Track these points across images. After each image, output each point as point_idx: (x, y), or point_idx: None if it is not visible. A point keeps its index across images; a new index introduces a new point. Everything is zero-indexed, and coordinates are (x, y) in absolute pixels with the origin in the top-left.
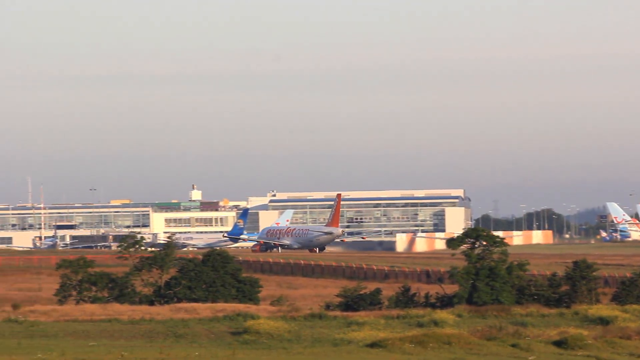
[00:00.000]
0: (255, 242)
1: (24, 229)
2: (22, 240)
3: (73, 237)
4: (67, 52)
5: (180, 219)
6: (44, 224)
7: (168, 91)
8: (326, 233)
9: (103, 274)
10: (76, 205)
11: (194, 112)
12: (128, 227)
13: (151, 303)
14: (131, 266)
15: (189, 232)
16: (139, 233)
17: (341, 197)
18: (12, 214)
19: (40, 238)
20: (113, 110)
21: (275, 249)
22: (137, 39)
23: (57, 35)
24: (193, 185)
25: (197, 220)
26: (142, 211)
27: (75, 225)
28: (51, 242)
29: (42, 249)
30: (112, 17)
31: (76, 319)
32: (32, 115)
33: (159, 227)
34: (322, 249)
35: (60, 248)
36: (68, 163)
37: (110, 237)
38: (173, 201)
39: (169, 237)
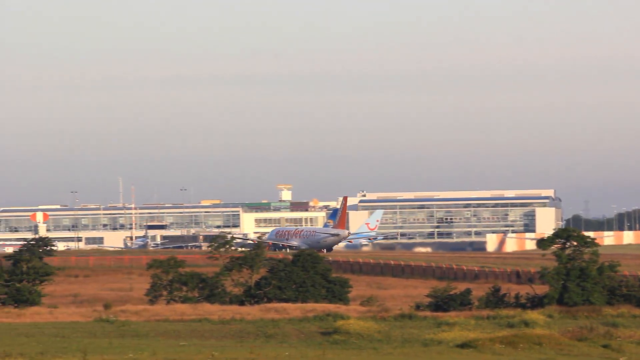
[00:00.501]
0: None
1: (115, 229)
2: (114, 240)
3: (164, 237)
4: (159, 53)
5: (270, 219)
6: (135, 224)
7: (259, 92)
8: (333, 235)
9: (193, 274)
10: (167, 205)
11: (284, 113)
12: (218, 227)
13: (241, 303)
14: (221, 266)
15: None
16: (229, 233)
17: (347, 199)
18: (104, 214)
19: (131, 238)
20: (203, 110)
21: (283, 250)
22: (222, 40)
23: (155, 36)
24: (285, 185)
25: (287, 220)
26: (233, 211)
27: (166, 225)
28: (142, 242)
29: (133, 249)
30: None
31: (167, 319)
32: (123, 116)
33: (249, 227)
34: (329, 250)
35: (151, 248)
36: (159, 163)
37: (201, 237)
38: (263, 201)
39: (259, 237)
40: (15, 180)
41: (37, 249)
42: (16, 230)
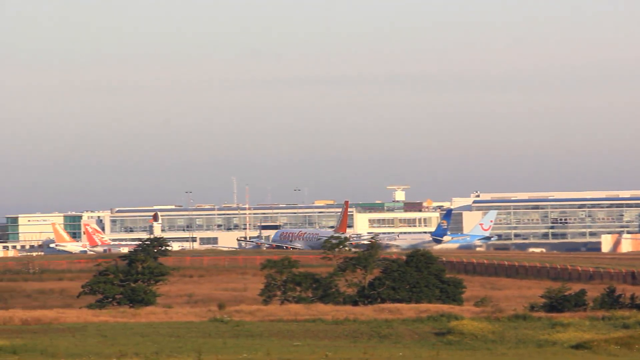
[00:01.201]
0: (268, 245)
1: (229, 229)
2: (228, 240)
3: None
4: (265, 55)
5: (383, 220)
6: (249, 224)
7: (376, 92)
8: None
9: (307, 274)
10: (280, 205)
11: (399, 113)
12: (332, 227)
13: (355, 303)
14: (335, 266)
15: (393, 232)
16: (343, 234)
17: (349, 204)
18: (218, 214)
19: (245, 238)
20: (318, 110)
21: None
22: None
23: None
24: (399, 186)
25: (400, 220)
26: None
27: (279, 225)
28: (256, 243)
29: (247, 249)
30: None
31: (281, 319)
32: (237, 116)
33: (362, 227)
34: None
35: (265, 248)
36: (273, 163)
37: None
38: (377, 202)
39: (372, 238)
40: (131, 181)
41: (152, 249)
42: (131, 231)
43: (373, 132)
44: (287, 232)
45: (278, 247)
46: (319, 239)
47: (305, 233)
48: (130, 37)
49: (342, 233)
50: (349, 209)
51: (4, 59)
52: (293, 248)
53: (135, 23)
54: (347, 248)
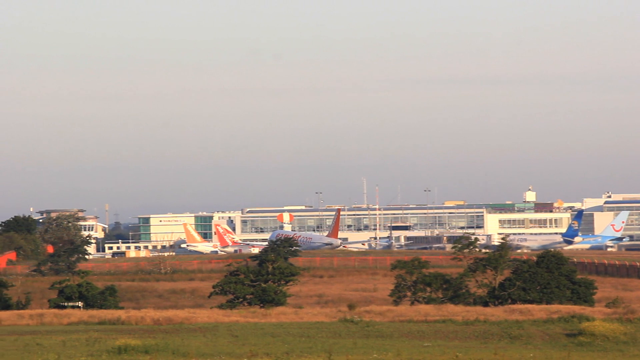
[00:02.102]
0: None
1: (359, 229)
2: (358, 240)
3: (408, 238)
4: (414, 58)
5: (514, 220)
6: (379, 224)
7: (499, 93)
8: (326, 244)
9: (437, 275)
10: (410, 206)
11: (524, 114)
12: (462, 228)
13: (485, 304)
14: (465, 267)
15: (523, 233)
16: (473, 234)
17: (340, 211)
18: (348, 214)
19: (375, 239)
20: (454, 111)
21: None
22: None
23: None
24: (529, 186)
25: (531, 221)
26: (476, 212)
27: (409, 226)
28: (386, 243)
29: (377, 250)
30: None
31: (411, 320)
32: (368, 117)
33: (493, 228)
34: None
35: (395, 249)
36: (403, 164)
37: (444, 238)
38: (507, 202)
39: (503, 239)
40: (262, 182)
41: (282, 250)
42: (262, 231)
43: (505, 133)
44: (282, 234)
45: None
46: (312, 243)
47: (300, 237)
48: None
49: (334, 239)
50: (479, 210)
51: (160, 63)
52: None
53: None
54: (477, 249)
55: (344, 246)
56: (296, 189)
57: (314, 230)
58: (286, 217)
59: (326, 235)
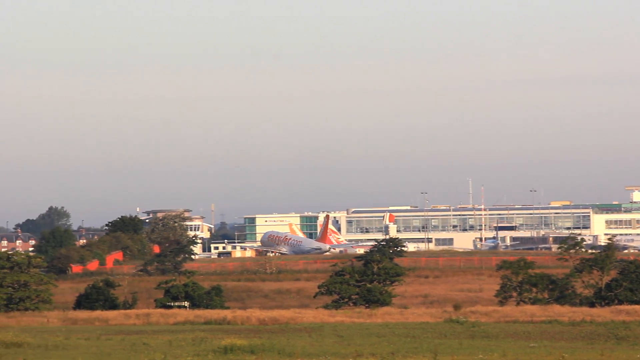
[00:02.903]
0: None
1: (464, 230)
2: (463, 241)
3: (513, 239)
4: (516, 56)
5: (621, 221)
6: (484, 225)
7: (619, 92)
8: (315, 248)
9: (543, 275)
10: (516, 206)
11: (633, 114)
12: (568, 228)
13: (591, 305)
14: (571, 268)
15: (630, 234)
16: (579, 235)
17: (329, 217)
18: (453, 215)
19: (480, 239)
20: (553, 110)
21: (273, 254)
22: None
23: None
24: (633, 187)
25: (638, 221)
26: (583, 212)
27: (515, 226)
28: (492, 244)
29: (483, 250)
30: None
31: (516, 320)
32: (472, 118)
33: (599, 228)
34: None
35: (501, 249)
36: (508, 164)
37: (550, 238)
38: (614, 202)
39: (609, 239)
40: (367, 182)
41: (387, 250)
42: (367, 231)
43: (609, 132)
44: (275, 235)
45: (265, 250)
46: (302, 247)
47: (290, 239)
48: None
49: (322, 244)
50: (586, 210)
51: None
52: (280, 253)
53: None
54: (583, 250)
55: (331, 251)
56: (402, 189)
57: (419, 231)
58: (387, 217)
59: (316, 240)
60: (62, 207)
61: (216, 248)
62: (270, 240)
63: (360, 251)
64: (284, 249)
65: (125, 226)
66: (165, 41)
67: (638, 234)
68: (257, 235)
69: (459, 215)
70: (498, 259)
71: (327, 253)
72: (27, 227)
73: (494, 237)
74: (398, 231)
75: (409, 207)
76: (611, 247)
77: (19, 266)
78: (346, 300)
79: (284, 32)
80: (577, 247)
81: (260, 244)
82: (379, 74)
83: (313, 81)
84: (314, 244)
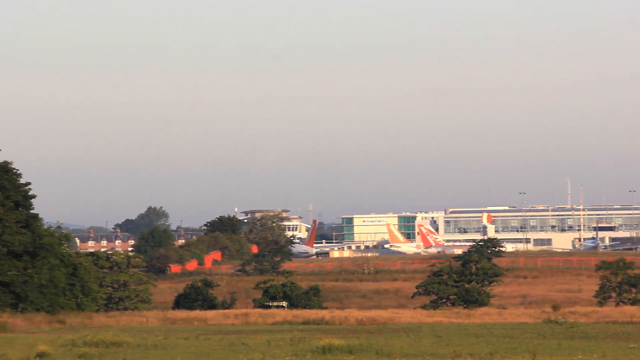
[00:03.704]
0: None
1: (563, 230)
2: (561, 241)
3: (612, 239)
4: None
5: None
6: (583, 225)
7: None
8: (302, 252)
9: None
10: (615, 206)
11: None
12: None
13: None
14: None
15: None
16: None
17: (316, 222)
18: (552, 215)
19: (579, 240)
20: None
21: None
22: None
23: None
24: None
25: None
26: None
27: (614, 227)
28: (592, 244)
29: (582, 251)
30: None
31: (616, 321)
32: (569, 117)
33: None
34: None
35: (600, 250)
36: (607, 164)
37: None
38: None
39: None
40: (465, 182)
41: (485, 250)
42: (465, 232)
43: None
44: None
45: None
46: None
47: None
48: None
49: (309, 248)
50: None
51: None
52: None
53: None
54: None
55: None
56: (500, 189)
57: (517, 231)
58: (485, 218)
59: (303, 244)
60: (161, 207)
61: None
62: None
63: (458, 251)
64: None
65: (223, 226)
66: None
67: None
68: (355, 235)
69: (558, 215)
70: (597, 259)
71: (313, 257)
72: (126, 227)
73: (593, 238)
74: (496, 231)
75: (507, 208)
76: None
77: (119, 266)
78: (444, 300)
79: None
80: None
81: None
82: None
83: (421, 80)
84: (301, 247)
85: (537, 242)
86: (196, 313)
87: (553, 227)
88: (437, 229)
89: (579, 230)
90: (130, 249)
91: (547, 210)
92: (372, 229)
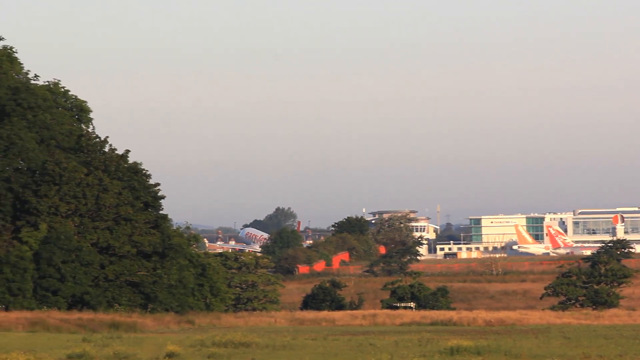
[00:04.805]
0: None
1: None
2: None
3: None
4: None
5: None
6: None
7: None
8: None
9: None
10: None
11: None
12: None
13: None
14: None
15: None
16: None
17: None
18: None
19: None
20: None
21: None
22: None
23: None
24: None
25: None
26: None
27: None
28: None
29: None
30: None
31: None
32: None
33: None
34: None
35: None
36: None
37: None
38: None
39: None
40: (594, 182)
41: (614, 251)
42: (594, 232)
43: None
44: (251, 234)
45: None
46: None
47: (266, 239)
48: None
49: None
50: None
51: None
52: (254, 251)
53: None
54: None
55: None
56: (630, 189)
57: None
58: (615, 218)
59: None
60: (289, 208)
61: (442, 249)
62: (248, 238)
63: (587, 253)
64: (257, 247)
65: (351, 227)
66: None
67: None
68: (483, 236)
69: None
70: None
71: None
72: (255, 228)
73: None
74: (626, 232)
75: (637, 208)
76: None
77: (247, 266)
78: (573, 301)
79: None
80: None
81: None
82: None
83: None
84: None
85: None
86: (324, 314)
87: None
88: (565, 230)
89: None
90: (258, 249)
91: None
92: (500, 229)
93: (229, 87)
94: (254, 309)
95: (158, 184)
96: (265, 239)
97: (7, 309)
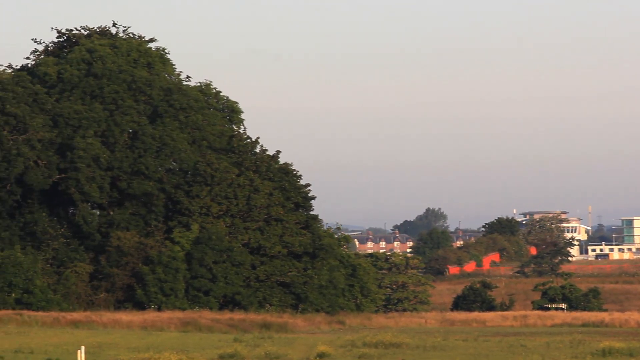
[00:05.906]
0: None
1: None
2: None
3: None
4: None
5: None
6: None
7: None
8: None
9: None
10: None
11: None
12: None
13: None
14: None
15: None
16: None
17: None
18: None
19: None
20: None
21: None
22: None
23: None
24: None
25: None
26: None
27: None
28: None
29: None
30: None
31: None
32: None
33: None
34: None
35: None
36: None
37: None
38: None
39: None
40: None
41: None
42: None
43: None
44: None
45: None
46: None
47: None
48: None
49: None
50: None
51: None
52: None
53: None
54: None
55: None
56: None
57: None
58: None
59: None
60: (439, 209)
61: (593, 250)
62: None
63: None
64: None
65: (501, 228)
66: None
67: None
68: (636, 237)
69: None
70: None
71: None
72: (405, 229)
73: None
74: None
75: None
76: None
77: (397, 267)
78: None
79: None
80: None
81: None
82: None
83: None
84: None
85: None
86: (475, 314)
87: None
88: None
89: None
90: (408, 250)
91: None
92: None
93: (385, 88)
94: (405, 310)
95: (309, 185)
96: None
97: (159, 309)
